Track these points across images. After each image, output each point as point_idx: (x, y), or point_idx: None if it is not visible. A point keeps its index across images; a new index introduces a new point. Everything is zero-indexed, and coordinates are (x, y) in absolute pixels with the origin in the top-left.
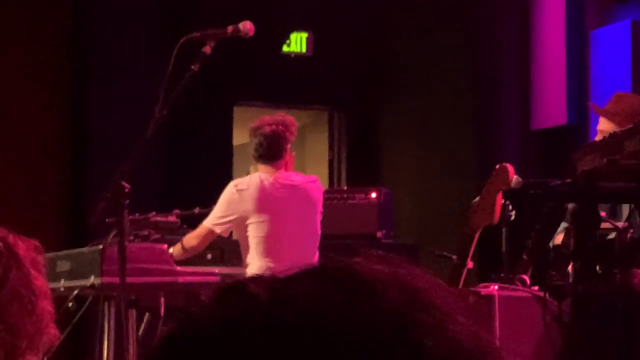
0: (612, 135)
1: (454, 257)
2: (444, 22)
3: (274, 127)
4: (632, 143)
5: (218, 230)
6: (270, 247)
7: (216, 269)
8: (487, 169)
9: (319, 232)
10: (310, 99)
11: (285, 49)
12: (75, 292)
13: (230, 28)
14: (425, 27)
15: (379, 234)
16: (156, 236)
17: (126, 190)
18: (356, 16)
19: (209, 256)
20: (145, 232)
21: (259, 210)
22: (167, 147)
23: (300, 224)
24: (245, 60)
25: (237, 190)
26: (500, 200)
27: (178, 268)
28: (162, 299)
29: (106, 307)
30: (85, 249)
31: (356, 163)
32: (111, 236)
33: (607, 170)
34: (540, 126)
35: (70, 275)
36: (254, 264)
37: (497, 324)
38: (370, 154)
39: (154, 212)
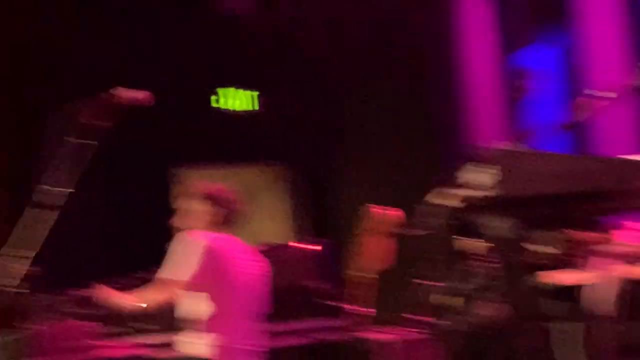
0: None
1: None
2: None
3: (230, 195)
4: None
5: (180, 283)
6: (223, 313)
7: (145, 339)
8: None
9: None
10: (262, 156)
11: (231, 107)
12: None
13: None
14: (375, 80)
15: (320, 286)
16: (79, 311)
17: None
18: (303, 72)
19: (137, 326)
20: (68, 308)
21: (223, 273)
22: (105, 217)
23: (255, 292)
24: (191, 121)
25: (215, 249)
26: (384, 243)
27: (100, 342)
28: None
29: None
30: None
31: (313, 215)
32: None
33: None
34: None
35: None
36: (203, 328)
37: None
38: (326, 206)
39: (74, 288)
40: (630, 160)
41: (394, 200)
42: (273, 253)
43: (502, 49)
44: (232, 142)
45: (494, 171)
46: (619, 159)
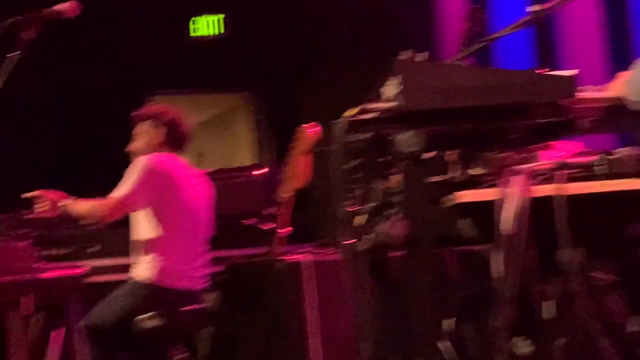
0: None
1: (274, 225)
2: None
3: (172, 115)
4: None
5: (131, 201)
6: (168, 234)
7: (97, 262)
8: None
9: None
10: (230, 82)
11: (197, 33)
12: None
13: (50, 10)
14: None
15: (266, 211)
16: (34, 233)
17: None
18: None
19: (90, 250)
20: (22, 231)
21: (164, 191)
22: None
23: (199, 214)
24: (158, 48)
25: (157, 167)
26: (306, 162)
27: (41, 265)
28: (31, 297)
29: None
30: None
31: (282, 142)
32: None
33: None
34: None
35: None
36: (149, 250)
37: (308, 290)
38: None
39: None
40: (553, 75)
41: None
42: (223, 177)
43: None
44: (201, 68)
45: (397, 82)
46: (541, 73)
